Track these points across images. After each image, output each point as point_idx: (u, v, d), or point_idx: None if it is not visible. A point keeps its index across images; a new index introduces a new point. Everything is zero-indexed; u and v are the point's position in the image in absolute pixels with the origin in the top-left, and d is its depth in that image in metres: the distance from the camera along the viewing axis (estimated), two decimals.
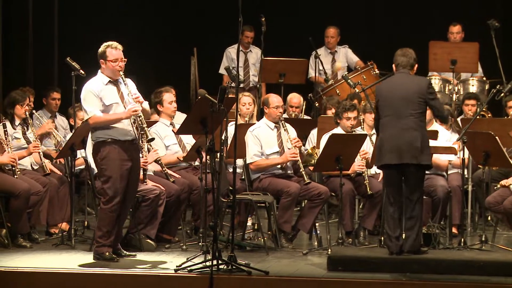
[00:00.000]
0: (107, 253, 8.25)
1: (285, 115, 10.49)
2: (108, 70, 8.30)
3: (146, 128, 8.28)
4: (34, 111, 10.46)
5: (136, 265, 8.14)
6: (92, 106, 8.22)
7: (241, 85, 12.69)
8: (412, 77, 8.28)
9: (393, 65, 8.35)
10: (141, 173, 9.04)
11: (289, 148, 9.41)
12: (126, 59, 8.33)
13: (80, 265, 8.09)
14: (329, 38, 12.88)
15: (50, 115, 10.94)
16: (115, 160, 8.23)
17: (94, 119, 8.21)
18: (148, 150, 9.15)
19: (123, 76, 8.30)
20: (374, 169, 9.63)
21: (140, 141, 8.96)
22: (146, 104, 8.48)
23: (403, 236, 8.09)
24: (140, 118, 8.23)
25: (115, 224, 8.31)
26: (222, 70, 12.78)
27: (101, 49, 8.31)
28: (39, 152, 9.48)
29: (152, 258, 8.49)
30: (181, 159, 9.46)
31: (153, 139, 8.42)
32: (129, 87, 8.35)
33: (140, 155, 8.70)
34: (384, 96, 8.23)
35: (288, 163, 9.46)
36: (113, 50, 8.27)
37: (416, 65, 8.34)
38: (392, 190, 8.16)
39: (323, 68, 12.41)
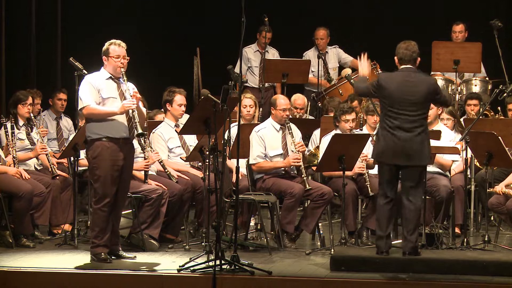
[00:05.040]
0: (102, 254, 8.22)
1: None
2: (110, 67, 8.31)
3: (137, 123, 8.18)
4: (42, 113, 10.51)
5: (139, 265, 8.15)
6: (88, 97, 8.21)
7: (257, 85, 12.67)
8: (419, 76, 8.10)
9: (395, 58, 8.16)
10: (142, 174, 9.06)
11: (292, 151, 9.41)
12: (129, 58, 8.36)
13: (76, 267, 8.07)
14: (319, 40, 12.69)
15: (56, 116, 10.94)
16: (106, 160, 8.19)
17: (88, 109, 8.20)
18: (142, 148, 9.11)
19: (124, 74, 8.28)
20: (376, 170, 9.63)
21: (143, 141, 8.98)
22: (143, 108, 8.47)
23: (406, 237, 8.08)
24: (134, 113, 8.18)
25: (108, 223, 8.29)
26: (237, 69, 12.73)
27: (105, 47, 8.36)
28: (46, 154, 9.48)
29: (155, 258, 8.50)
30: (184, 159, 9.45)
31: (143, 134, 8.32)
32: (130, 88, 8.32)
33: (137, 156, 8.63)
34: (388, 92, 8.00)
35: None
36: (116, 47, 8.31)
37: (419, 59, 8.19)
38: (387, 187, 8.13)
39: (327, 68, 12.38)
